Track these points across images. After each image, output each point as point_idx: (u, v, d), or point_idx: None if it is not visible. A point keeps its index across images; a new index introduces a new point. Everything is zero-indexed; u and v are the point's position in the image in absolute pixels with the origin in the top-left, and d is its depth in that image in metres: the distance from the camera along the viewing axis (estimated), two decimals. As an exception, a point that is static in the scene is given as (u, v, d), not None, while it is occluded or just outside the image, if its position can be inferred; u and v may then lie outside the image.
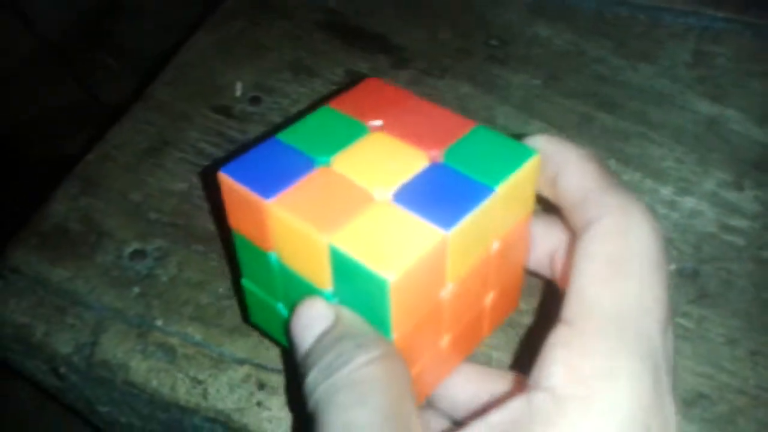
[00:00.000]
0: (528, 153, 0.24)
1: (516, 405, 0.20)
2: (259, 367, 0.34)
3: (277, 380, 0.33)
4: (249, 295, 0.28)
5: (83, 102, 0.86)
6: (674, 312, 0.35)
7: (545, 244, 0.28)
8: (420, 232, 0.21)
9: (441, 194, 0.23)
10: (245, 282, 0.27)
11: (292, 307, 0.24)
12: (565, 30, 0.47)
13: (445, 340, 0.26)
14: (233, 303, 0.35)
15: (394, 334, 0.22)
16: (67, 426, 0.56)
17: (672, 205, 0.38)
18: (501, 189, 0.23)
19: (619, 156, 0.40)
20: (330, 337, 0.22)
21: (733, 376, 0.33)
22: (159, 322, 0.35)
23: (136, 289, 0.36)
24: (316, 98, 0.44)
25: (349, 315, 0.23)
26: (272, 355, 0.34)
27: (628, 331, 0.20)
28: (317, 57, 0.46)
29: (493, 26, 0.47)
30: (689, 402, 0.32)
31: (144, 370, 0.34)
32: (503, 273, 0.27)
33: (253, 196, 0.23)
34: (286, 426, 0.32)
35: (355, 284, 0.22)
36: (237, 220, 0.25)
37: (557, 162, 0.25)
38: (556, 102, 0.43)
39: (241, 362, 0.34)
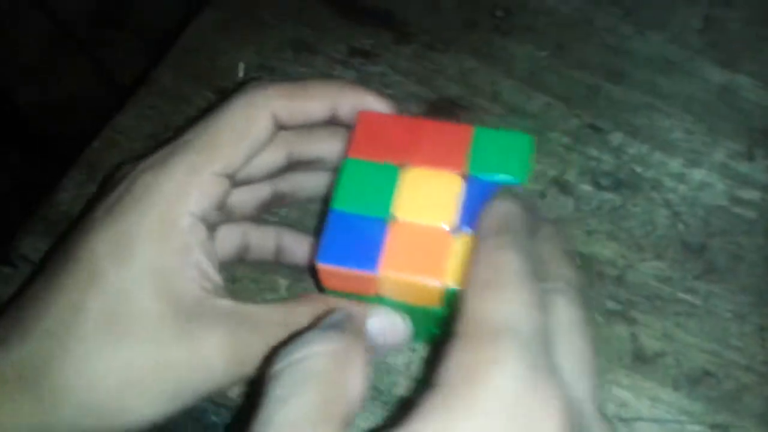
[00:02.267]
0: (528, 140, 0.28)
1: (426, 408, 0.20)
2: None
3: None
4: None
5: (98, 84, 0.86)
6: (679, 287, 0.34)
7: None
8: None
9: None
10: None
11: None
12: (573, -2, 0.45)
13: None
14: (235, 287, 0.36)
15: None
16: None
17: (680, 177, 0.37)
18: (528, 179, 0.28)
19: (627, 128, 0.39)
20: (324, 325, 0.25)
21: (741, 352, 0.33)
22: (163, 308, 0.35)
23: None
24: (318, 77, 0.43)
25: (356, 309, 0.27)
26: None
27: (506, 335, 0.21)
28: (319, 34, 0.46)
29: (499, -4, 0.46)
30: (694, 379, 0.32)
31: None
32: None
33: (362, 272, 0.26)
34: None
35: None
36: (336, 286, 0.28)
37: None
38: (562, 73, 0.42)
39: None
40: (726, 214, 0.36)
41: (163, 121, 0.43)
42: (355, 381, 0.22)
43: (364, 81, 0.43)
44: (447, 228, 0.26)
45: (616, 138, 0.39)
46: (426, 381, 0.21)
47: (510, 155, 0.28)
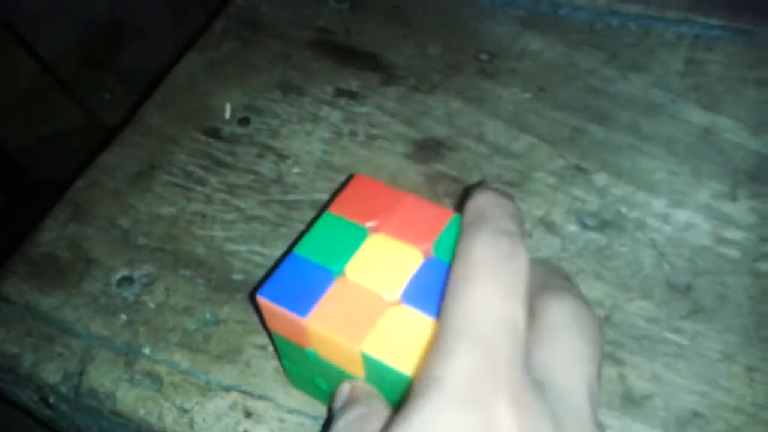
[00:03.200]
0: None
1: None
2: (246, 393, 0.33)
3: (264, 407, 0.33)
4: (290, 372, 0.32)
5: (85, 125, 0.86)
6: (666, 327, 0.34)
7: None
8: (426, 328, 0.25)
9: (436, 289, 0.26)
10: (285, 363, 0.32)
11: (329, 381, 0.29)
12: (556, 42, 0.46)
13: None
14: (219, 329, 0.35)
15: None
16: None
17: (665, 218, 0.38)
18: None
19: (610, 169, 0.40)
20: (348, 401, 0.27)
21: (729, 393, 0.32)
22: (146, 350, 0.35)
23: (124, 317, 0.36)
24: (305, 117, 0.44)
25: (360, 385, 0.27)
26: (259, 382, 0.34)
27: (470, 332, 0.21)
28: (307, 76, 0.46)
29: (483, 40, 0.47)
30: (684, 421, 0.32)
31: (131, 399, 0.34)
32: None
33: (292, 315, 0.27)
34: (273, 453, 0.32)
35: (382, 375, 0.26)
36: (276, 327, 0.29)
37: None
38: (546, 115, 0.42)
39: (228, 389, 0.33)
40: (711, 254, 0.36)
41: (149, 160, 0.42)
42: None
43: (351, 121, 0.43)
44: (386, 298, 0.27)
45: (601, 179, 0.39)
46: None
47: None
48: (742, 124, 0.41)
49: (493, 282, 0.22)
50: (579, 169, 0.40)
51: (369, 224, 0.29)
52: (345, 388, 0.28)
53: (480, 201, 0.26)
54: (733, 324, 0.34)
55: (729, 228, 0.37)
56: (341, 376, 0.28)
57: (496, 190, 0.27)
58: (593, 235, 0.37)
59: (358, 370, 0.27)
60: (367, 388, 0.27)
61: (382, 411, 0.25)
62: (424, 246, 0.28)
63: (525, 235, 0.25)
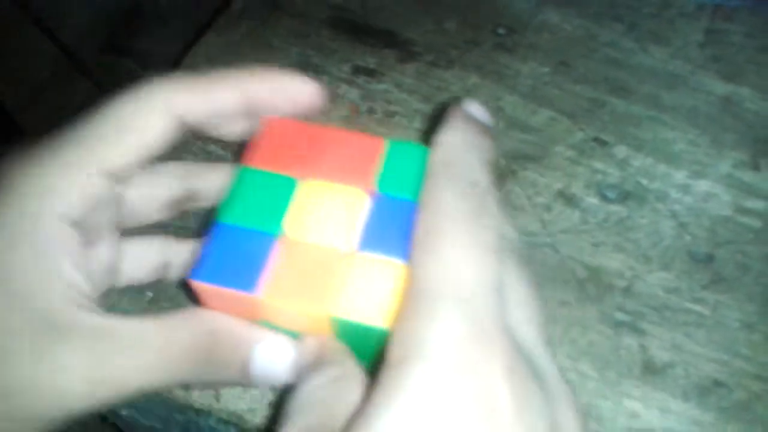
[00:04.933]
0: None
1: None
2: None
3: (288, 380, 0.33)
4: None
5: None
6: (687, 297, 0.34)
7: None
8: (399, 273, 0.23)
9: (398, 229, 0.24)
10: None
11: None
12: (575, 15, 0.46)
13: None
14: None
15: None
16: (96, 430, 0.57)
17: (686, 189, 0.38)
18: None
19: (631, 141, 0.40)
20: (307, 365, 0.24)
21: (750, 361, 0.32)
22: (172, 326, 0.35)
23: (149, 294, 0.37)
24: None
25: (330, 343, 0.24)
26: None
27: (447, 291, 0.20)
28: (324, 54, 0.46)
29: (502, 15, 0.47)
30: (704, 390, 0.32)
31: (158, 373, 0.34)
32: None
33: (239, 293, 0.23)
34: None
35: (355, 333, 0.24)
36: (218, 308, 0.25)
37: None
38: (565, 89, 0.42)
39: (253, 363, 0.34)
40: (732, 224, 0.36)
41: (171, 141, 0.43)
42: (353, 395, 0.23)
43: (369, 98, 0.43)
44: (343, 250, 0.24)
45: (621, 151, 0.39)
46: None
47: (419, 173, 0.24)
48: (763, 93, 0.41)
49: (468, 237, 0.21)
50: (599, 141, 0.40)
51: (296, 172, 0.26)
52: (311, 345, 0.25)
53: (452, 139, 0.24)
54: (754, 293, 0.34)
55: (750, 198, 0.37)
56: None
57: (471, 119, 0.25)
58: (613, 208, 0.37)
59: (325, 333, 0.24)
60: (337, 346, 0.24)
61: (356, 375, 0.23)
62: (366, 184, 0.25)
63: (495, 184, 0.24)
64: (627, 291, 0.35)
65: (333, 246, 0.24)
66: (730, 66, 0.42)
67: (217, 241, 0.24)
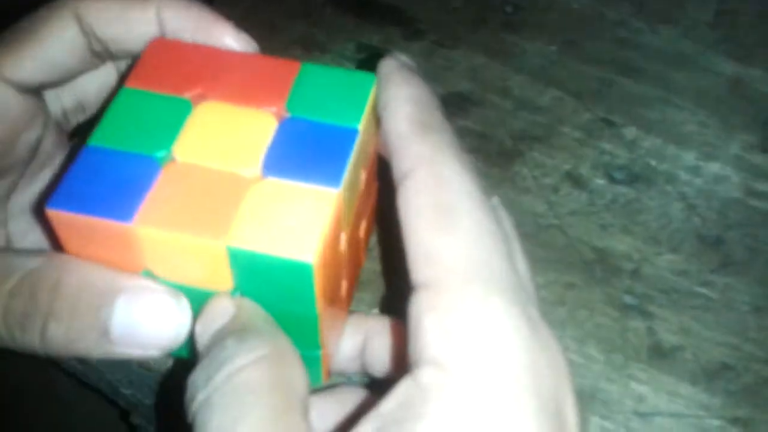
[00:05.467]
0: (369, 79, 0.23)
1: (403, 389, 0.18)
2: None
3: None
4: None
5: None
6: (695, 280, 0.34)
7: (353, 340, 0.26)
8: (312, 199, 0.20)
9: (310, 151, 0.21)
10: None
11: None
12: (583, -7, 0.45)
13: (343, 289, 0.24)
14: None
15: (318, 305, 0.20)
16: (101, 409, 0.57)
17: (695, 170, 0.37)
18: (362, 125, 0.22)
19: (639, 122, 0.39)
20: (221, 333, 0.19)
21: (759, 345, 0.32)
22: (174, 306, 0.35)
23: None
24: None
25: (250, 307, 0.20)
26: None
27: (485, 277, 0.18)
28: (328, 32, 0.46)
29: (508, -7, 0.46)
30: (713, 373, 0.32)
31: (160, 353, 0.34)
32: (367, 196, 0.26)
33: (107, 222, 0.19)
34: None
35: (264, 278, 0.20)
36: (85, 253, 0.21)
37: (381, 103, 0.22)
38: (573, 68, 0.42)
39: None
40: (742, 207, 0.36)
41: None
42: (295, 378, 0.19)
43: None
44: (244, 174, 0.20)
45: (630, 132, 0.39)
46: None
47: (341, 96, 0.22)
48: (774, 74, 0.40)
49: (485, 213, 0.19)
50: (607, 122, 0.39)
51: (190, 94, 0.22)
52: (221, 304, 0.20)
53: (415, 93, 0.22)
54: (764, 276, 0.34)
55: (760, 180, 0.36)
56: (199, 296, 0.20)
57: (412, 69, 0.23)
58: (622, 189, 0.37)
59: (223, 284, 0.20)
60: (260, 311, 0.20)
61: (294, 357, 0.20)
62: (274, 107, 0.22)
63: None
64: (635, 273, 0.34)
65: (232, 170, 0.20)
66: (741, 47, 0.42)
67: (85, 164, 0.20)
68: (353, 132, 0.22)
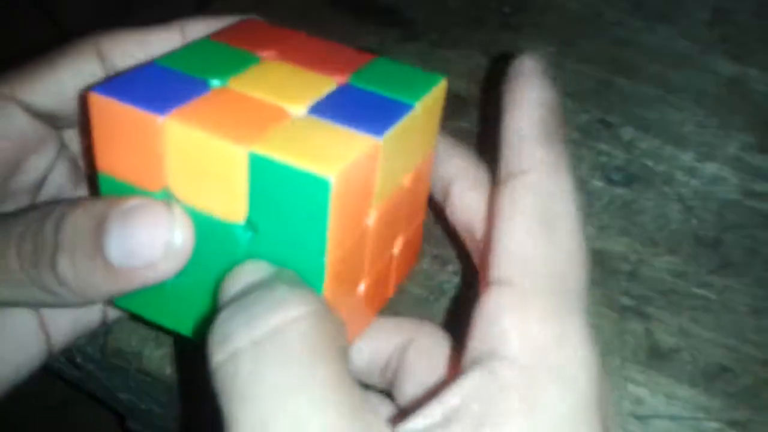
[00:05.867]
0: (436, 78, 0.24)
1: (477, 380, 0.18)
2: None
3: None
4: None
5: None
6: (693, 281, 0.34)
7: (442, 168, 0.26)
8: (351, 139, 0.20)
9: (361, 109, 0.21)
10: None
11: (187, 278, 0.21)
12: (580, -7, 0.45)
13: (362, 288, 0.24)
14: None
15: (329, 260, 0.20)
16: (95, 414, 0.57)
17: (693, 171, 0.37)
18: (419, 106, 0.22)
19: (637, 122, 0.39)
20: (262, 285, 0.19)
21: (758, 347, 0.32)
22: (171, 309, 0.35)
23: (148, 277, 0.36)
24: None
25: (288, 272, 0.20)
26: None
27: (566, 289, 0.19)
28: (326, 33, 0.45)
29: (505, -7, 0.46)
30: (711, 375, 0.31)
31: (157, 358, 0.34)
32: (411, 216, 0.26)
33: (141, 114, 0.19)
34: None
35: (280, 203, 0.19)
36: (111, 155, 0.21)
37: (510, 99, 0.22)
38: (571, 68, 0.42)
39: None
40: (740, 208, 0.36)
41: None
42: (343, 334, 0.19)
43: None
44: (289, 110, 0.21)
45: (627, 132, 0.39)
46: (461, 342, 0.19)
47: (405, 83, 0.23)
48: (772, 74, 0.40)
49: (572, 178, 0.20)
50: (604, 123, 0.39)
51: (264, 54, 0.23)
52: (255, 265, 0.20)
53: (541, 98, 0.22)
54: (762, 278, 0.33)
55: (758, 181, 0.36)
56: (211, 238, 0.20)
57: (543, 74, 0.23)
58: (619, 191, 0.37)
59: (237, 208, 0.20)
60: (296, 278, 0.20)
61: (335, 322, 0.18)
62: (339, 76, 0.23)
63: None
64: (632, 275, 0.34)
65: (280, 105, 0.21)
66: (738, 46, 0.41)
67: (142, 72, 0.21)
68: (407, 107, 0.22)
